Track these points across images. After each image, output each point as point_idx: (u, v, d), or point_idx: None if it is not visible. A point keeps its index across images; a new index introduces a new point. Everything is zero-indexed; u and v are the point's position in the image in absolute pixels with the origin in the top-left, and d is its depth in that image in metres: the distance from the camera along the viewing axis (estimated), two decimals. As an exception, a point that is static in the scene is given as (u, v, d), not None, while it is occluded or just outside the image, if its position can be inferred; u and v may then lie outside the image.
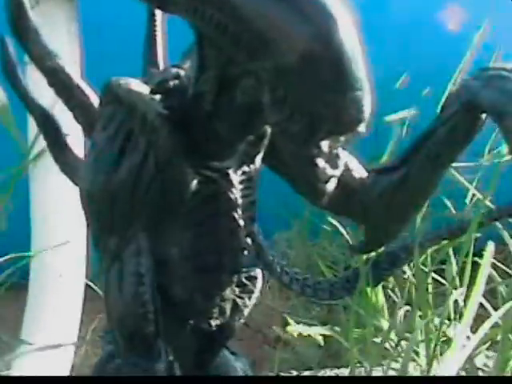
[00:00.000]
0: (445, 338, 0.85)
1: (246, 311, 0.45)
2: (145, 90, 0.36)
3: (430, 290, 0.87)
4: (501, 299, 0.85)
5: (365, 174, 0.42)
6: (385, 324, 0.85)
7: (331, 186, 0.38)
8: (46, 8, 0.79)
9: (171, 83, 0.36)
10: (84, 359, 0.87)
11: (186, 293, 0.41)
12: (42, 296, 0.79)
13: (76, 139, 0.46)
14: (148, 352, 0.38)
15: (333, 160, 0.36)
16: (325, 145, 0.35)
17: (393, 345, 0.83)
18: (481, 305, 0.87)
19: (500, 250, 0.98)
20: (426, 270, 0.85)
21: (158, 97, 0.36)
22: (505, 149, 0.84)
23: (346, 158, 0.41)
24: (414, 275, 0.86)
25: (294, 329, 0.88)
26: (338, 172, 0.37)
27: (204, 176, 0.37)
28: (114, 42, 0.99)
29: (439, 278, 0.91)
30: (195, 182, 0.36)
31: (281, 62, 0.29)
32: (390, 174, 0.41)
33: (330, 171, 0.36)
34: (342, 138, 0.32)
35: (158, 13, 0.42)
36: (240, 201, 0.39)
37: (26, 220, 0.82)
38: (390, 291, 0.91)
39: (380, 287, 0.89)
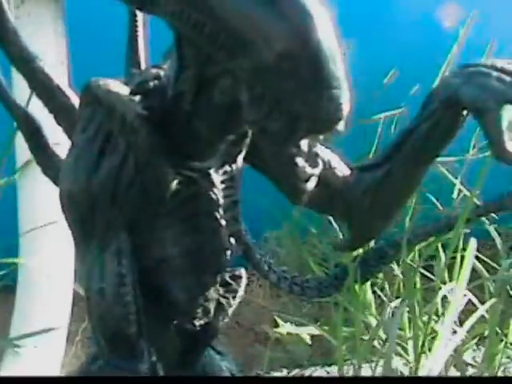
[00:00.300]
0: (433, 335, 0.86)
1: (231, 311, 0.45)
2: (124, 90, 0.36)
3: (419, 286, 0.87)
4: (488, 295, 0.86)
5: (348, 172, 0.42)
6: (373, 321, 0.86)
7: (311, 184, 0.38)
8: (32, 7, 0.79)
9: (151, 84, 0.36)
10: (73, 359, 0.87)
11: (170, 293, 0.40)
12: (30, 298, 0.79)
13: (57, 141, 0.46)
14: (130, 353, 0.38)
15: (312, 159, 0.36)
16: (304, 144, 0.35)
17: (381, 342, 0.83)
18: (469, 301, 0.88)
19: (489, 247, 0.99)
20: (415, 266, 0.85)
21: (137, 97, 0.36)
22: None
23: (329, 157, 0.41)
24: (402, 272, 0.87)
25: (284, 329, 0.88)
26: (317, 171, 0.37)
27: (185, 176, 0.37)
28: (101, 41, 0.99)
29: (428, 274, 0.91)
30: (176, 182, 0.36)
31: (258, 61, 0.29)
32: (373, 171, 0.41)
33: (309, 170, 0.36)
34: (321, 137, 0.32)
35: (139, 14, 0.42)
36: (222, 201, 0.39)
37: (14, 225, 0.82)
38: (378, 288, 0.91)
39: (369, 284, 0.89)
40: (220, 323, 0.45)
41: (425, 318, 0.82)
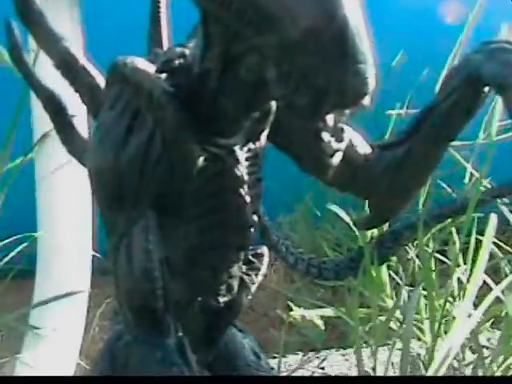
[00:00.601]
0: (449, 317, 0.86)
1: (254, 288, 0.46)
2: (151, 68, 0.36)
3: (434, 269, 0.87)
4: (504, 277, 0.86)
5: (369, 150, 0.43)
6: (390, 303, 0.86)
7: (336, 159, 0.38)
8: (49, -6, 0.79)
9: (176, 62, 0.37)
10: (91, 343, 0.88)
11: (195, 269, 0.41)
12: (49, 281, 0.80)
13: (82, 120, 0.46)
14: (157, 327, 0.39)
15: (338, 134, 0.37)
16: (330, 119, 0.35)
17: (398, 324, 0.84)
18: (485, 283, 0.88)
19: (503, 230, 0.99)
20: (429, 249, 0.85)
21: (163, 75, 0.36)
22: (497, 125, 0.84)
23: (351, 134, 0.42)
24: (417, 255, 0.87)
25: (298, 312, 0.89)
26: (342, 145, 0.37)
27: (210, 153, 0.37)
28: (117, 25, 1.00)
29: (442, 258, 0.92)
30: (202, 159, 0.37)
31: (285, 37, 0.29)
32: (394, 149, 0.42)
33: (335, 145, 0.37)
34: (347, 112, 0.32)
35: None
36: (246, 177, 0.39)
37: (33, 203, 0.83)
38: (393, 272, 0.92)
39: (384, 267, 0.89)
40: (243, 300, 0.45)
41: (441, 301, 0.83)
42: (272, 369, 0.50)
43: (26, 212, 0.81)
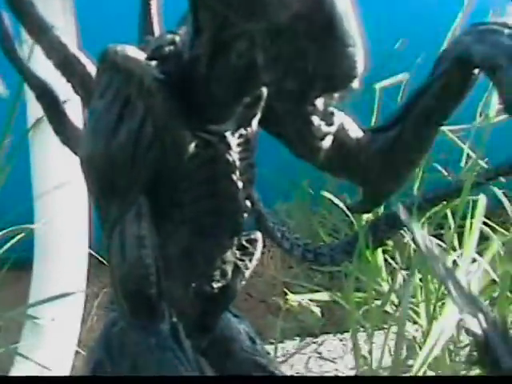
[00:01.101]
0: (444, 300, 0.87)
1: (248, 273, 0.46)
2: (141, 56, 0.36)
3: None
4: (498, 258, 0.86)
5: (361, 134, 0.43)
6: (385, 287, 0.87)
7: (327, 143, 0.38)
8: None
9: (167, 49, 0.37)
10: (90, 333, 0.88)
11: (188, 255, 0.41)
12: (46, 271, 0.80)
13: (75, 110, 0.46)
14: (151, 313, 0.39)
15: (327, 117, 0.37)
16: (319, 102, 0.36)
17: (393, 307, 0.84)
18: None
19: (499, 214, 0.99)
20: (426, 231, 0.86)
21: (154, 62, 0.36)
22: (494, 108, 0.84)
23: (342, 119, 0.42)
24: (413, 239, 0.88)
25: (295, 298, 0.89)
26: (332, 129, 0.38)
27: (202, 139, 0.37)
28: (110, 13, 0.99)
29: (438, 242, 0.92)
30: (193, 145, 0.37)
31: (273, 22, 0.30)
32: (386, 132, 0.42)
33: (325, 128, 0.37)
34: (336, 95, 0.32)
35: None
36: (238, 163, 0.39)
37: (29, 194, 0.83)
38: (390, 256, 0.92)
39: (380, 252, 0.90)
40: (238, 285, 0.46)
41: (436, 284, 0.83)
42: (268, 353, 0.51)
43: (23, 201, 0.81)
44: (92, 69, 0.41)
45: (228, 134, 0.38)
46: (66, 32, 0.79)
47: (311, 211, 1.02)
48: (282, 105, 0.35)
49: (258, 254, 0.47)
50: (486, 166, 0.92)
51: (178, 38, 0.37)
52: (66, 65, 0.41)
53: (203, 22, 0.34)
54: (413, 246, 0.88)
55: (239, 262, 0.46)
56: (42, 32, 0.41)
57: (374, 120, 0.91)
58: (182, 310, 0.43)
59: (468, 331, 0.33)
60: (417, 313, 0.85)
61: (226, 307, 0.47)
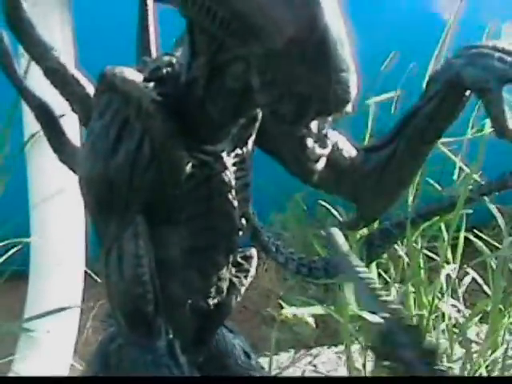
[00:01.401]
0: (438, 313, 0.87)
1: (243, 289, 0.46)
2: (139, 77, 0.37)
3: (423, 266, 0.88)
4: (491, 273, 0.87)
5: (355, 153, 0.43)
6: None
7: (321, 164, 0.39)
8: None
9: (164, 71, 0.38)
10: (85, 346, 0.88)
11: (185, 272, 0.42)
12: (42, 284, 0.81)
13: (73, 129, 0.47)
14: (148, 330, 0.40)
15: (321, 140, 0.38)
16: (314, 125, 0.36)
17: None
18: (473, 279, 0.89)
19: (493, 227, 1.00)
20: (418, 246, 0.86)
21: (151, 84, 0.37)
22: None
23: (336, 138, 0.43)
24: (406, 253, 0.88)
25: (290, 311, 0.89)
26: (326, 151, 0.38)
27: (198, 159, 0.38)
28: (108, 30, 1.00)
29: (432, 255, 0.93)
30: (190, 165, 0.38)
31: (269, 47, 0.31)
32: (379, 151, 0.43)
33: (319, 150, 0.38)
34: (330, 118, 0.33)
35: (150, 2, 0.43)
36: (234, 182, 0.40)
37: (25, 206, 0.83)
38: (383, 270, 0.93)
39: (374, 265, 0.90)
40: (233, 302, 0.46)
41: (429, 297, 0.84)
42: (262, 368, 0.51)
43: (19, 213, 0.82)
44: (91, 89, 0.41)
45: (224, 153, 0.39)
46: (64, 46, 0.79)
47: (306, 223, 1.03)
48: (277, 127, 0.36)
49: (253, 271, 0.48)
50: (479, 179, 0.92)
51: (174, 60, 0.38)
52: (65, 85, 0.42)
53: (200, 45, 0.35)
54: (406, 259, 0.89)
55: (234, 279, 0.46)
56: (41, 52, 0.42)
57: (367, 135, 0.91)
58: (178, 325, 0.44)
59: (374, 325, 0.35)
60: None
61: (221, 323, 0.47)
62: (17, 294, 0.86)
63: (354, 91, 0.32)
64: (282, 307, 0.92)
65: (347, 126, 0.43)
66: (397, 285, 0.88)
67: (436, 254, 0.90)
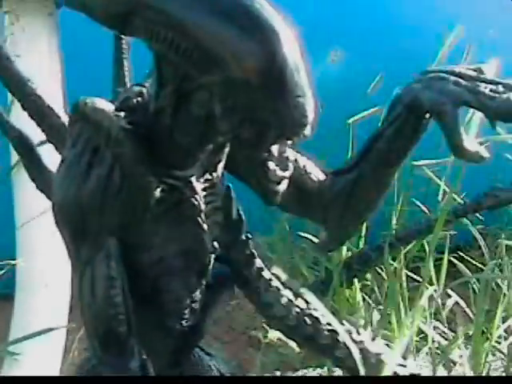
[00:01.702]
0: (421, 335, 0.88)
1: (216, 311, 0.48)
2: (109, 107, 0.38)
3: (405, 287, 0.89)
4: (473, 295, 0.88)
5: (323, 177, 0.45)
6: (361, 322, 0.88)
7: (283, 186, 0.40)
8: (26, 24, 0.81)
9: (134, 100, 0.39)
10: (71, 366, 0.89)
11: (158, 295, 0.43)
12: (28, 306, 0.81)
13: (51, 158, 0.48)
14: (121, 351, 0.41)
15: (283, 162, 0.39)
16: (275, 149, 0.38)
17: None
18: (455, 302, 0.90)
19: (478, 247, 1.01)
20: (399, 268, 0.87)
21: (122, 113, 0.39)
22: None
23: (304, 162, 0.44)
24: (387, 275, 0.89)
25: (275, 334, 0.90)
26: (287, 173, 0.40)
27: (168, 184, 0.40)
28: (96, 55, 1.02)
29: (416, 276, 0.94)
30: (159, 190, 0.39)
31: (228, 75, 0.32)
32: (346, 174, 0.44)
33: (280, 173, 0.39)
34: (290, 142, 0.35)
35: (124, 37, 0.45)
36: (203, 207, 0.41)
37: (11, 227, 0.84)
38: (368, 291, 0.94)
39: (358, 288, 0.91)
40: (207, 323, 0.47)
41: (412, 320, 0.84)
42: (239, 388, 0.52)
43: (5, 233, 0.83)
44: (66, 120, 0.43)
45: (193, 179, 0.40)
46: (52, 72, 0.81)
47: (292, 244, 1.04)
48: (240, 151, 0.37)
49: (226, 294, 0.49)
50: (461, 201, 0.94)
51: (144, 90, 0.39)
52: (42, 116, 0.43)
53: (166, 75, 0.36)
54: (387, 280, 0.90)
55: (209, 301, 0.47)
56: (18, 85, 0.43)
57: (350, 154, 0.93)
58: (153, 348, 0.45)
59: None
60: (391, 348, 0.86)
61: (195, 344, 0.48)
62: (2, 316, 0.87)
63: (311, 115, 0.33)
64: (267, 330, 0.93)
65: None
66: (380, 307, 0.89)
67: (419, 275, 0.91)
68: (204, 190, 0.42)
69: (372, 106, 0.95)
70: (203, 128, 0.37)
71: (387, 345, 0.79)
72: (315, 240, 0.94)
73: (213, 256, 0.44)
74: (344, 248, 0.90)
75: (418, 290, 0.91)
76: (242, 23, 0.32)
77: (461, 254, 1.01)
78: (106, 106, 0.38)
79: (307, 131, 0.34)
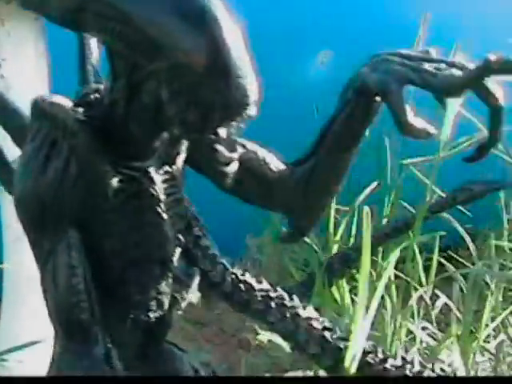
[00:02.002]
0: (410, 336, 0.88)
1: (184, 304, 0.48)
2: (67, 102, 0.40)
3: (394, 288, 0.90)
4: (461, 295, 0.88)
5: (282, 167, 0.46)
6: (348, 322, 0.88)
7: (232, 167, 0.41)
8: (12, 28, 0.82)
9: (92, 96, 0.40)
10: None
11: (123, 285, 0.44)
12: (15, 312, 0.82)
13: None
14: (85, 338, 0.42)
15: (230, 144, 0.40)
16: (222, 131, 0.39)
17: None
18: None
19: (467, 247, 1.01)
20: (386, 267, 0.87)
21: (80, 109, 0.40)
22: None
23: (264, 154, 0.45)
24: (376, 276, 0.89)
25: (265, 336, 0.90)
26: (235, 155, 0.41)
27: (126, 175, 0.41)
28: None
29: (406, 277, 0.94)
30: (117, 180, 0.40)
31: (173, 62, 0.34)
32: (304, 163, 0.45)
33: (228, 154, 0.40)
34: (235, 123, 0.36)
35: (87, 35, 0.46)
36: (163, 197, 0.42)
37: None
38: (355, 293, 0.94)
39: (347, 289, 0.91)
40: (174, 316, 0.48)
41: (401, 320, 0.85)
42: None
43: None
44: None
45: (151, 169, 0.42)
46: (39, 76, 0.82)
47: (282, 246, 1.04)
48: (188, 135, 0.39)
49: (194, 287, 0.50)
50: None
51: (102, 86, 0.41)
52: (6, 118, 0.45)
53: (118, 68, 0.38)
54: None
55: (176, 294, 0.48)
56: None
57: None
58: (121, 340, 0.46)
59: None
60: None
61: (163, 337, 0.49)
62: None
63: (253, 96, 0.35)
64: (257, 333, 0.94)
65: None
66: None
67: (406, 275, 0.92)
68: (164, 181, 0.43)
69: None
70: (154, 116, 0.38)
71: (374, 345, 0.80)
72: (306, 240, 0.94)
73: (178, 248, 0.45)
74: (335, 247, 0.91)
75: (406, 290, 0.92)
76: (187, 13, 0.33)
77: (450, 253, 1.01)
78: (64, 101, 0.40)
79: (251, 112, 0.35)
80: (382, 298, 0.88)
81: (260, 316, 0.44)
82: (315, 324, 0.44)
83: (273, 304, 0.44)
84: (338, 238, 0.91)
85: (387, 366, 0.43)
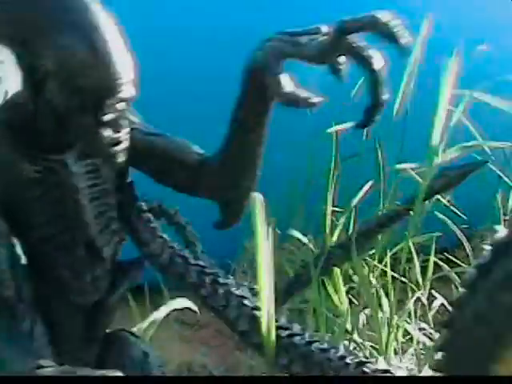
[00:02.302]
0: (408, 336, 0.88)
1: (122, 290, 0.51)
2: None
3: (392, 290, 0.89)
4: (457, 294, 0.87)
5: (202, 156, 0.49)
6: (348, 326, 0.88)
7: (122, 146, 0.44)
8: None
9: (9, 100, 0.44)
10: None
11: (55, 270, 0.48)
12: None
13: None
14: (12, 314, 0.45)
15: (116, 126, 0.43)
16: (108, 115, 0.42)
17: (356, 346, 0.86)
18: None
19: (463, 248, 1.00)
20: (386, 270, 0.88)
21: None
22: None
23: (182, 144, 0.49)
24: (375, 278, 0.89)
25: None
26: (122, 135, 0.44)
27: (45, 166, 0.44)
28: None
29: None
30: (34, 171, 0.44)
31: (56, 56, 0.40)
32: (219, 153, 0.48)
33: (114, 135, 0.43)
34: (119, 106, 0.40)
35: None
36: (84, 187, 0.46)
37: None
38: (352, 295, 0.94)
39: (344, 290, 0.92)
40: (114, 301, 0.51)
41: (398, 321, 0.85)
42: (160, 366, 0.55)
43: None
44: None
45: (70, 162, 0.45)
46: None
47: (279, 248, 1.05)
48: (74, 121, 0.42)
49: (136, 274, 0.52)
50: (445, 202, 0.94)
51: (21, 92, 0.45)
52: None
53: (23, 72, 0.42)
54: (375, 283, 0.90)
55: (116, 280, 0.51)
56: None
57: (333, 165, 0.94)
58: (62, 323, 0.49)
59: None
60: (377, 349, 0.86)
61: (105, 321, 0.52)
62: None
63: (123, 78, 0.41)
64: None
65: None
66: (366, 310, 0.89)
67: (405, 276, 0.91)
68: (87, 173, 0.46)
69: (356, 111, 0.96)
70: (56, 110, 0.42)
71: (372, 346, 0.80)
72: (304, 241, 0.95)
73: (97, 231, 0.48)
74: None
75: (404, 291, 0.91)
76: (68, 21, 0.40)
77: (447, 255, 1.00)
78: None
79: (128, 93, 0.41)
80: (379, 298, 0.89)
81: (193, 290, 0.47)
82: (246, 302, 0.46)
83: (207, 279, 0.46)
84: (334, 238, 0.92)
85: (312, 348, 0.44)
